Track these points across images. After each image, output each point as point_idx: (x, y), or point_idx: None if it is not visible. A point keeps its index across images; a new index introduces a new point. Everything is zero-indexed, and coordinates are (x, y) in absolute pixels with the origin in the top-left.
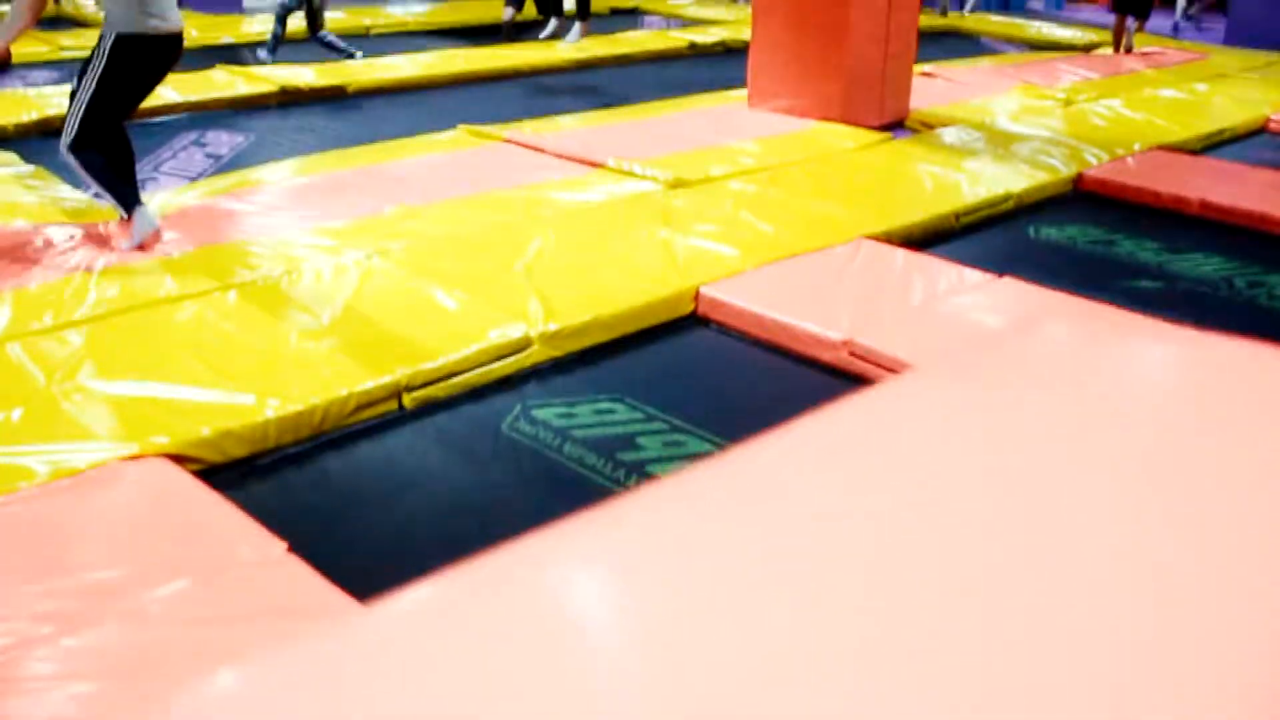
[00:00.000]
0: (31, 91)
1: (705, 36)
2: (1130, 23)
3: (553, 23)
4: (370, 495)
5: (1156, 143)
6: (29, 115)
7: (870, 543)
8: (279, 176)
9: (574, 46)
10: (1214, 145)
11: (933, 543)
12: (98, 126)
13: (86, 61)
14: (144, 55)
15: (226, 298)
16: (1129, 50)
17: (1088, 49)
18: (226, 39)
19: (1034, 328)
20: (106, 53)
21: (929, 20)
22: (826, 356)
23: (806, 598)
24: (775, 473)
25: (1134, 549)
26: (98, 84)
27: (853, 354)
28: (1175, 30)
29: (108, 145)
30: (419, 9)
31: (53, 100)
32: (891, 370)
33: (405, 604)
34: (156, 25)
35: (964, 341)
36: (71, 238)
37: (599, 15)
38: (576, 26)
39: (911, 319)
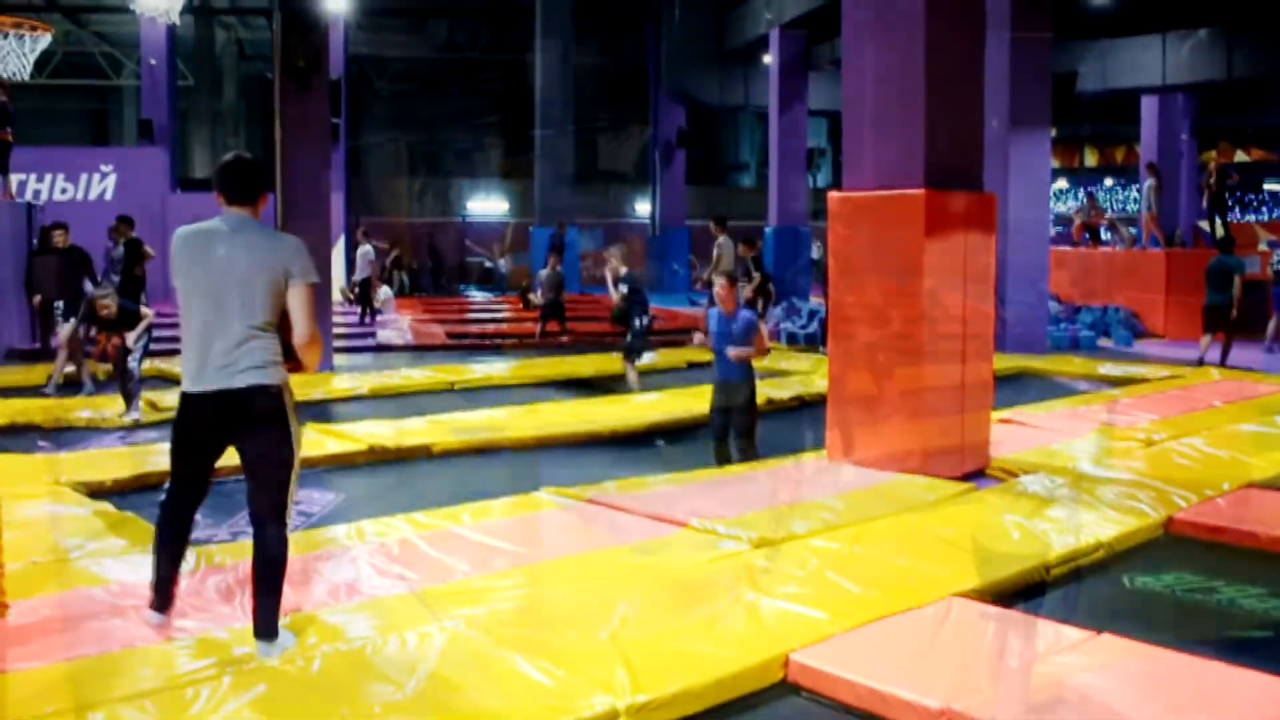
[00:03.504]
0: (131, 449)
1: (781, 392)
2: (1212, 340)
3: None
4: None
5: (1245, 480)
6: (126, 471)
7: None
8: (366, 537)
9: (651, 405)
10: None
11: None
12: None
13: None
14: (180, 413)
15: (310, 667)
16: (1221, 363)
17: (1161, 383)
18: (318, 394)
19: None
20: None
21: (1001, 363)
22: None
23: None
24: None
25: None
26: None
27: None
28: (1270, 351)
29: (163, 511)
30: (500, 366)
31: (149, 457)
32: None
33: None
34: (185, 386)
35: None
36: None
37: (676, 369)
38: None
39: (1011, 685)
